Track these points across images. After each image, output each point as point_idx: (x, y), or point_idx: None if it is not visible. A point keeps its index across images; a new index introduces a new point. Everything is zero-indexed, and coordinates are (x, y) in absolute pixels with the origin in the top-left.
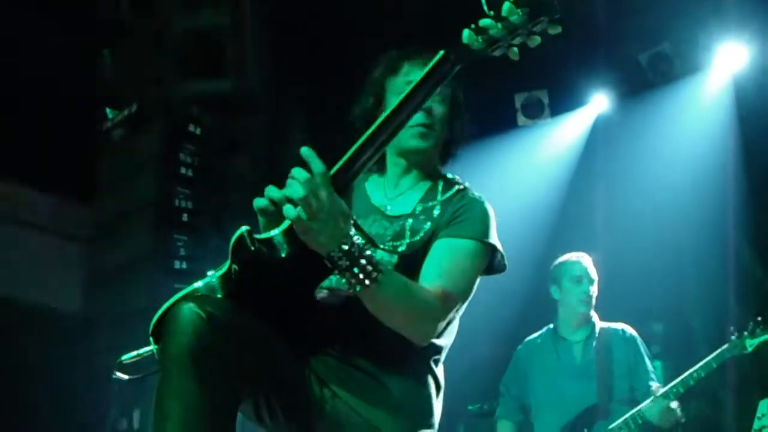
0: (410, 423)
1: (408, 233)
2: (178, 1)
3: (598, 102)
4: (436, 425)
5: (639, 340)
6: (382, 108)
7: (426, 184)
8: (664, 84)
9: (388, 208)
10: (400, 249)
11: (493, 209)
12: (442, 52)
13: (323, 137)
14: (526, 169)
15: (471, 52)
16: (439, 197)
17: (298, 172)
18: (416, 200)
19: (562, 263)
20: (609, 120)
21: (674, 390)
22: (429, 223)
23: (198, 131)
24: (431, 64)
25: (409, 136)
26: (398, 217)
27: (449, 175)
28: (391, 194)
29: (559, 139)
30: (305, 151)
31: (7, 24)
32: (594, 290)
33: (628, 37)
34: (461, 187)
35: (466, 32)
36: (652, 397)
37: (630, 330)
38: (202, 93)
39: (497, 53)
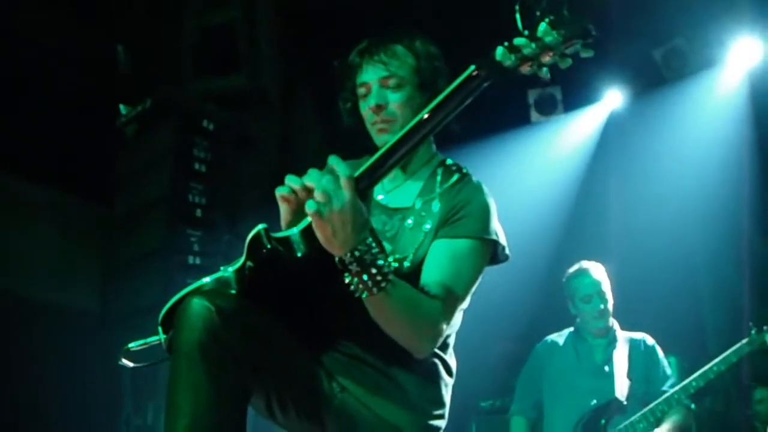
0: (420, 415)
1: (408, 236)
2: None
3: (612, 98)
4: (446, 414)
5: (658, 349)
6: (358, 112)
7: (424, 173)
8: (678, 80)
9: (387, 200)
10: (405, 264)
11: (494, 198)
12: (472, 67)
13: (336, 133)
14: (539, 165)
15: (502, 70)
16: (438, 189)
17: (333, 160)
18: (415, 193)
19: (571, 279)
20: (622, 116)
21: (694, 383)
22: (429, 222)
23: (211, 127)
24: (459, 79)
25: (373, 134)
26: (397, 211)
27: (448, 161)
28: (389, 186)
29: (572, 135)
30: (332, 160)
31: (21, 22)
32: (608, 303)
33: (642, 33)
34: (460, 174)
35: (499, 50)
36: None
37: (650, 340)
38: (215, 89)
39: (527, 72)
